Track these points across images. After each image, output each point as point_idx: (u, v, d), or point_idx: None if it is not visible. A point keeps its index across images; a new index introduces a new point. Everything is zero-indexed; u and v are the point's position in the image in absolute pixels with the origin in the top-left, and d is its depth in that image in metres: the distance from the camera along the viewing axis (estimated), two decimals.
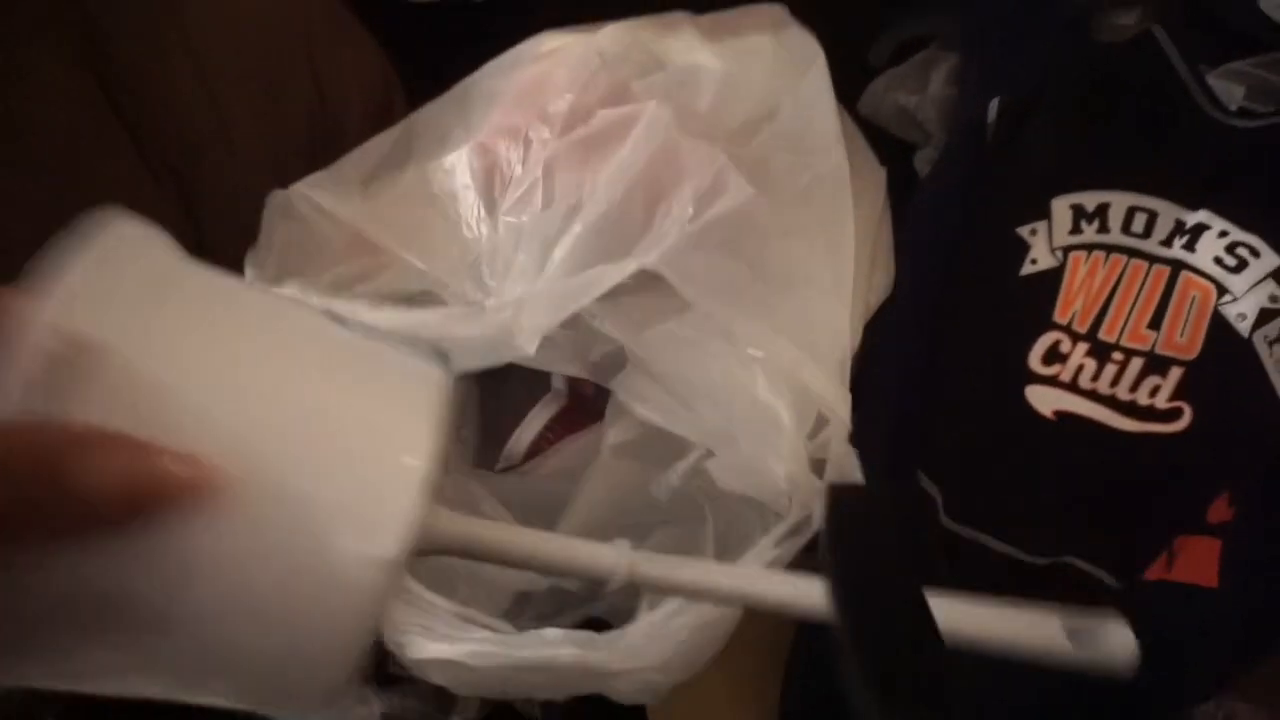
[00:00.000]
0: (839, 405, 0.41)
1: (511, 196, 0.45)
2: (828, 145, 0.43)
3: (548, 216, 0.43)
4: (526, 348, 0.39)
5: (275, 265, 0.48)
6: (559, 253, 0.40)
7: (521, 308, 0.39)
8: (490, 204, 0.46)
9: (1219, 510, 0.50)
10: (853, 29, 0.63)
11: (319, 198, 0.50)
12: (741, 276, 0.40)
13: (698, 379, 0.41)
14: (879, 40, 0.59)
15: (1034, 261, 0.53)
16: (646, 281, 0.43)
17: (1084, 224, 0.53)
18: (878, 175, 0.54)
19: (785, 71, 0.48)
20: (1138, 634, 0.49)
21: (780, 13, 0.56)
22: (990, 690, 0.49)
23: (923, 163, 0.57)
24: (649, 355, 0.41)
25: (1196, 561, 0.50)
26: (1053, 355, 0.52)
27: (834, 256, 0.42)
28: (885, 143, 0.59)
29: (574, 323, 0.44)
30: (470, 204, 0.47)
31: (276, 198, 0.51)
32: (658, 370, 0.41)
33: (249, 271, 0.47)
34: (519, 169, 0.45)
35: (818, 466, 0.41)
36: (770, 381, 0.40)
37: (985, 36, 0.57)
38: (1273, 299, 0.49)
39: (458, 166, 0.48)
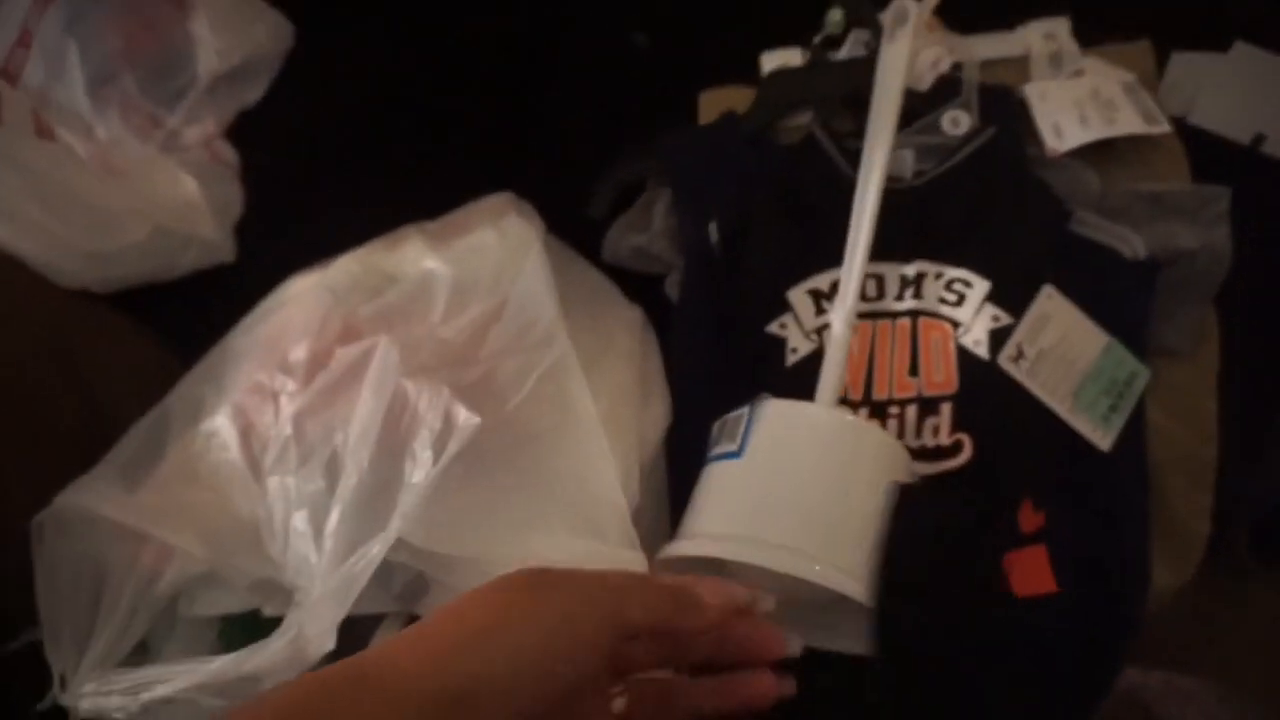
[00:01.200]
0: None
1: (271, 456, 0.45)
2: (550, 336, 0.46)
3: (308, 473, 0.43)
4: (325, 649, 0.39)
5: (68, 615, 0.46)
6: (328, 541, 0.40)
7: (303, 625, 0.38)
8: (254, 467, 0.46)
9: (1029, 519, 0.52)
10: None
11: (85, 504, 0.49)
12: (497, 501, 0.41)
13: None
14: (595, 195, 0.64)
15: (794, 351, 0.57)
16: None
17: (825, 304, 0.57)
18: (631, 315, 0.57)
19: (509, 261, 0.51)
20: (1002, 663, 0.50)
21: (502, 203, 0.60)
22: None
23: (672, 288, 0.61)
24: (449, 576, 0.41)
25: (1029, 574, 0.52)
26: None
27: (582, 435, 0.44)
28: (639, 279, 0.63)
29: None
30: (235, 473, 0.47)
31: (44, 522, 0.49)
32: (461, 588, 0.41)
33: (50, 652, 0.45)
34: (272, 428, 0.46)
35: None
36: None
37: (685, 167, 0.62)
38: (995, 319, 0.54)
39: (215, 436, 0.48)
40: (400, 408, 0.42)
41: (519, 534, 0.41)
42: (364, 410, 0.42)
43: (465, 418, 0.40)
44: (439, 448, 0.40)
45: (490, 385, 0.44)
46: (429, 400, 0.41)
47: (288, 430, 0.44)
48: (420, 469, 0.40)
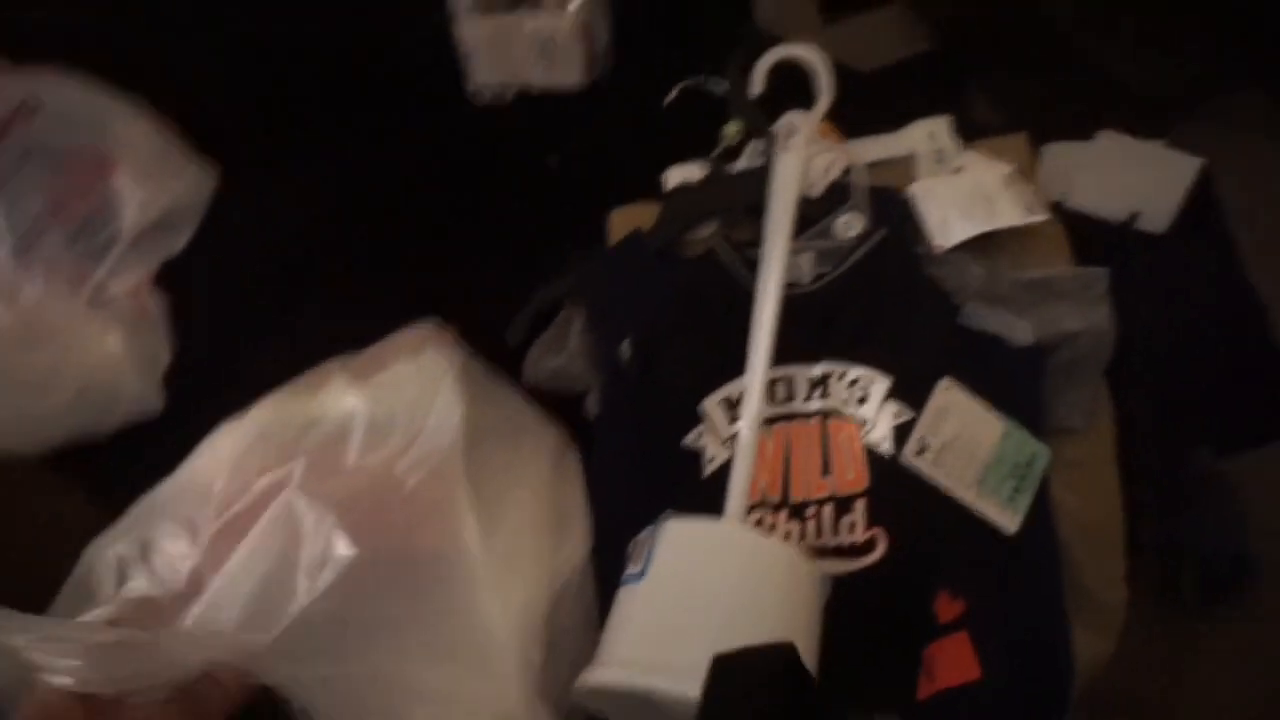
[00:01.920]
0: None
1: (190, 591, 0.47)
2: (450, 473, 0.49)
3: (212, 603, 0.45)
4: None
5: None
6: None
7: None
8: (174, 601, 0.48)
9: (946, 608, 0.55)
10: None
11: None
12: (371, 626, 0.43)
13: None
14: (513, 322, 0.67)
15: (712, 460, 0.60)
16: None
17: (737, 411, 0.60)
18: (549, 440, 0.60)
19: (423, 397, 0.54)
20: None
21: (421, 334, 0.62)
22: None
23: (592, 406, 0.64)
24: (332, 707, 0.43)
25: (953, 662, 0.54)
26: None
27: (470, 569, 0.46)
28: (568, 397, 0.66)
29: None
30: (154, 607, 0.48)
31: None
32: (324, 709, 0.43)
33: None
34: (187, 559, 0.48)
35: None
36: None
37: (596, 287, 0.66)
38: (897, 415, 0.58)
39: (132, 572, 0.50)
40: (287, 524, 0.44)
41: (392, 661, 0.43)
42: (251, 544, 0.44)
43: (344, 545, 0.43)
44: (314, 574, 0.42)
45: (385, 515, 0.46)
46: (314, 524, 0.44)
47: (197, 558, 0.46)
48: (298, 599, 0.43)
